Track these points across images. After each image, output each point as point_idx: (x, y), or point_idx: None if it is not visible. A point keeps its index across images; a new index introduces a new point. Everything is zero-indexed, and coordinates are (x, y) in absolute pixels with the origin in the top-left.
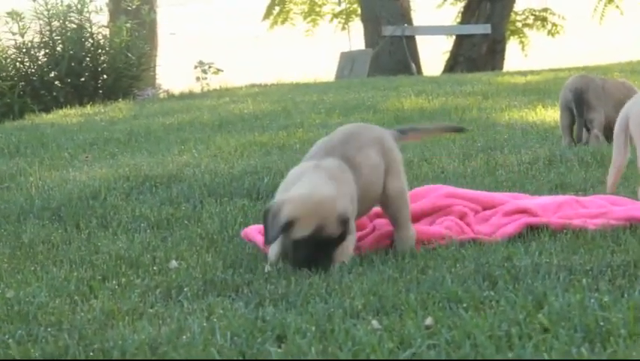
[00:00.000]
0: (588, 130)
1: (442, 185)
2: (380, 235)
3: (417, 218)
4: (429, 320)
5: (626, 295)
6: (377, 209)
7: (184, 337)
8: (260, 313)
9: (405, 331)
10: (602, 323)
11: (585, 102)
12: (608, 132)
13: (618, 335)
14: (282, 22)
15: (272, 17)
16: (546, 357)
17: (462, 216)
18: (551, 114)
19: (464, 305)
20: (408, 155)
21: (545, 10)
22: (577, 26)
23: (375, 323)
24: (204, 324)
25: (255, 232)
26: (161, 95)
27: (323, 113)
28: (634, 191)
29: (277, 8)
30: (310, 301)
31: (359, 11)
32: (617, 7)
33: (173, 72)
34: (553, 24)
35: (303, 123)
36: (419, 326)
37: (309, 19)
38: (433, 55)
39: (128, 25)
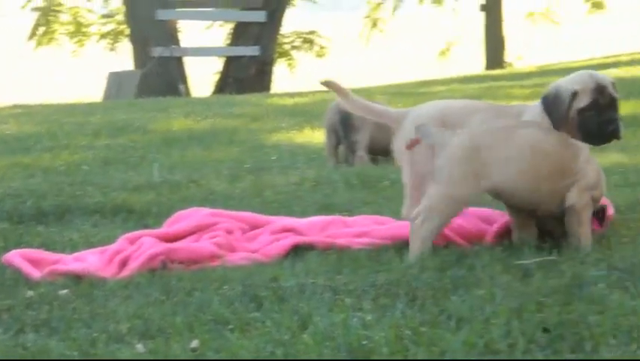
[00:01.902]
0: (353, 152)
1: (207, 208)
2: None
3: (181, 237)
4: (195, 343)
5: (388, 314)
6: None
7: None
8: (20, 340)
9: (170, 354)
10: (364, 342)
11: (350, 124)
12: (372, 152)
13: (380, 353)
14: (48, 43)
15: (37, 38)
16: None
17: (229, 234)
18: (318, 136)
19: (230, 327)
20: (175, 176)
21: (312, 32)
22: (344, 48)
23: (140, 346)
24: None
25: (17, 256)
26: None
27: (90, 134)
28: (396, 211)
29: (42, 29)
30: (73, 327)
31: (128, 32)
32: (381, 31)
33: None
34: (321, 46)
35: (68, 145)
36: (185, 349)
37: (75, 39)
38: (204, 76)
39: None
